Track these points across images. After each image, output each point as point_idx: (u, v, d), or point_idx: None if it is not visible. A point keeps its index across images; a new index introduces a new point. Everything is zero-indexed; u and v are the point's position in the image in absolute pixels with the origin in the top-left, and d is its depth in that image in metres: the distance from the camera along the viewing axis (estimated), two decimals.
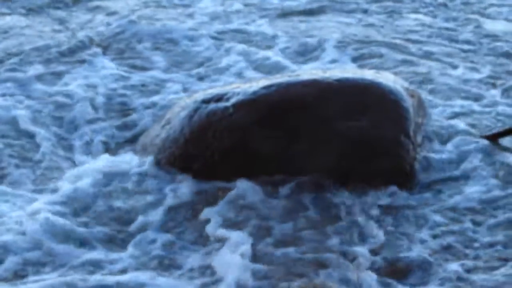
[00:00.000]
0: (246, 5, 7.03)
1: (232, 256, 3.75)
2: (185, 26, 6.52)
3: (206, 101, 4.59)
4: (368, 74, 4.72)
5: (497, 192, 4.29)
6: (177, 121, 4.59)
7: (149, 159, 4.51)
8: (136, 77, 5.64)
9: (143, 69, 5.79)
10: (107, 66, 5.84)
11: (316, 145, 4.38)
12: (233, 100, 4.52)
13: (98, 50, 6.08)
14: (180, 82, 5.57)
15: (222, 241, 3.89)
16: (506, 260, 3.78)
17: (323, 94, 4.52)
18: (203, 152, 4.44)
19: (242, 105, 4.48)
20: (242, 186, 4.25)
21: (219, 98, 4.58)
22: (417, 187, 4.34)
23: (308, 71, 4.85)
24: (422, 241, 3.91)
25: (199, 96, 4.69)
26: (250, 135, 4.43)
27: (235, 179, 4.31)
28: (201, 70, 5.78)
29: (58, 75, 5.71)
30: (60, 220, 4.04)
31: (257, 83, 4.64)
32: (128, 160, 4.58)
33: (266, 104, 4.48)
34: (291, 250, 3.82)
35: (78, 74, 5.69)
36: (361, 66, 5.80)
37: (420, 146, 4.58)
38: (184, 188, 4.32)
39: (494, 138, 4.71)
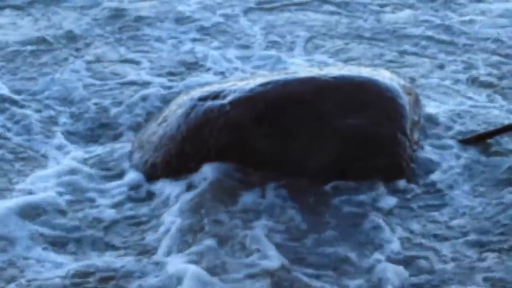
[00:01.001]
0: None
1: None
2: None
3: (203, 99, 4.59)
4: (365, 72, 4.73)
5: (487, 192, 4.32)
6: (174, 119, 4.58)
7: None
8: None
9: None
10: None
11: (313, 143, 4.38)
12: (230, 98, 4.51)
13: None
14: None
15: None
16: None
17: (320, 91, 4.52)
18: (200, 150, 4.43)
19: (239, 103, 4.48)
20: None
21: (216, 95, 4.57)
22: (413, 184, 4.34)
23: (305, 69, 4.84)
24: (420, 238, 3.92)
25: (196, 93, 4.69)
26: (247, 133, 4.42)
27: (232, 176, 4.32)
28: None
29: None
30: None
31: (254, 80, 4.64)
32: None
33: (263, 101, 4.48)
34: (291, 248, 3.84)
35: None
36: (339, 61, 5.86)
37: (416, 143, 4.59)
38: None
39: (474, 141, 4.71)
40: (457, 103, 5.20)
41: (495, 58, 5.94)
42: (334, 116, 4.44)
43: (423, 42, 6.23)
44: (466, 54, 6.02)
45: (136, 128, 4.96)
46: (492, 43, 6.22)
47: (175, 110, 4.64)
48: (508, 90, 5.44)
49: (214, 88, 4.68)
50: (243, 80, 4.73)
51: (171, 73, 5.73)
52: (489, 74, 5.65)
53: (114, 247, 3.89)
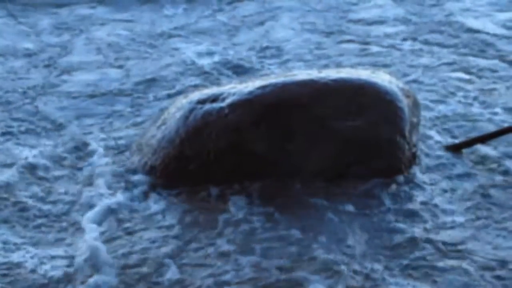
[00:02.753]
0: None
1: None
2: None
3: (202, 102, 4.59)
4: (364, 74, 4.72)
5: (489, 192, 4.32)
6: (173, 122, 4.58)
7: None
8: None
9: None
10: None
11: (312, 145, 4.38)
12: (228, 101, 4.51)
13: None
14: None
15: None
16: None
17: (319, 94, 4.51)
18: (199, 153, 4.43)
19: (237, 106, 4.48)
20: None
21: (214, 98, 4.57)
22: (412, 186, 4.34)
23: (304, 71, 4.83)
24: (418, 241, 3.91)
25: (195, 96, 4.68)
26: (246, 136, 4.42)
27: (231, 179, 4.32)
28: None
29: None
30: None
31: (252, 83, 4.63)
32: None
33: (262, 104, 4.47)
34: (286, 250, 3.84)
35: None
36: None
37: (415, 146, 4.58)
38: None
39: (457, 148, 4.71)
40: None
41: None
42: (333, 118, 4.44)
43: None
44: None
45: None
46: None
47: (174, 113, 4.64)
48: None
49: (213, 91, 4.68)
50: (241, 83, 4.73)
51: None
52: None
53: None
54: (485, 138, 4.72)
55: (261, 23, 7.25)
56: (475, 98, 5.42)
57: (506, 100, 5.37)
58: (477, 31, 6.68)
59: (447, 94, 5.52)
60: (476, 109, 5.25)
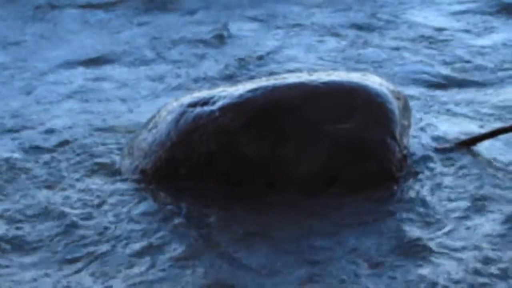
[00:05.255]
0: None
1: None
2: None
3: (192, 105, 4.59)
4: (355, 77, 4.72)
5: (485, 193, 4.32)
6: (164, 125, 4.58)
7: None
8: None
9: None
10: None
11: (303, 148, 4.38)
12: (219, 104, 4.51)
13: None
14: None
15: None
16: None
17: (310, 96, 4.51)
18: (190, 156, 4.44)
19: (228, 109, 4.48)
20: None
21: (205, 101, 4.58)
22: (403, 190, 4.35)
23: (294, 74, 4.83)
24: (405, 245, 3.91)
25: (186, 99, 4.69)
26: (237, 139, 4.42)
27: (222, 183, 4.33)
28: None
29: None
30: None
31: (243, 86, 4.64)
32: None
33: (252, 107, 4.47)
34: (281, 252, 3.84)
35: None
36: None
37: (406, 148, 4.59)
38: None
39: (469, 144, 4.71)
40: None
41: None
42: (323, 121, 4.44)
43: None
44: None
45: None
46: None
47: (165, 117, 4.64)
48: None
49: (204, 94, 4.68)
50: (232, 86, 4.73)
51: None
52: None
53: None
54: (496, 133, 4.71)
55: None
56: None
57: None
58: None
59: None
60: None
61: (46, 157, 4.82)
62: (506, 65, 6.17)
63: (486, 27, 6.98)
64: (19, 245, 3.95)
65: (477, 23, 7.09)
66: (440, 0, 7.67)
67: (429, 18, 7.16)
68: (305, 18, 7.39)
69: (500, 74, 5.99)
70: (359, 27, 7.04)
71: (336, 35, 6.83)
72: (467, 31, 6.90)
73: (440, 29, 6.92)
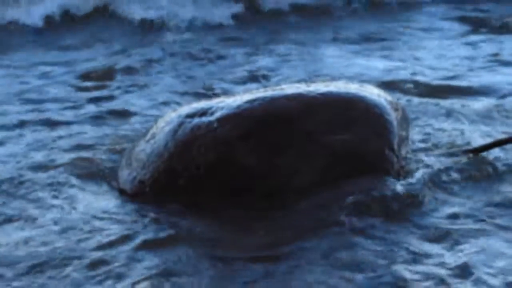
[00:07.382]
0: None
1: None
2: None
3: (191, 116, 4.59)
4: (353, 88, 4.73)
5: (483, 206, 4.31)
6: (162, 136, 4.58)
7: None
8: None
9: None
10: None
11: (301, 159, 4.38)
12: (217, 114, 4.51)
13: None
14: None
15: None
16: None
17: (308, 107, 4.52)
18: (188, 167, 4.43)
19: (226, 119, 4.48)
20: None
21: (203, 112, 4.57)
22: (401, 200, 4.34)
23: (292, 85, 4.83)
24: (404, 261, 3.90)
25: (184, 110, 4.69)
26: (235, 149, 4.42)
27: (220, 193, 4.33)
28: None
29: None
30: None
31: (241, 97, 4.64)
32: None
33: (250, 118, 4.47)
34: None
35: None
36: None
37: (404, 159, 4.59)
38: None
39: (476, 152, 4.72)
40: None
41: None
42: (321, 132, 4.45)
43: None
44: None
45: None
46: None
47: (163, 127, 4.64)
48: None
49: (202, 105, 4.68)
50: (230, 97, 4.73)
51: None
52: None
53: None
54: (504, 142, 4.72)
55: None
56: None
57: None
58: None
59: None
60: None
61: None
62: None
63: None
64: None
65: None
66: None
67: None
68: None
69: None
70: None
71: None
72: None
73: None
